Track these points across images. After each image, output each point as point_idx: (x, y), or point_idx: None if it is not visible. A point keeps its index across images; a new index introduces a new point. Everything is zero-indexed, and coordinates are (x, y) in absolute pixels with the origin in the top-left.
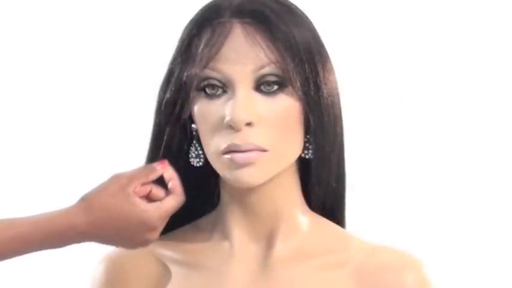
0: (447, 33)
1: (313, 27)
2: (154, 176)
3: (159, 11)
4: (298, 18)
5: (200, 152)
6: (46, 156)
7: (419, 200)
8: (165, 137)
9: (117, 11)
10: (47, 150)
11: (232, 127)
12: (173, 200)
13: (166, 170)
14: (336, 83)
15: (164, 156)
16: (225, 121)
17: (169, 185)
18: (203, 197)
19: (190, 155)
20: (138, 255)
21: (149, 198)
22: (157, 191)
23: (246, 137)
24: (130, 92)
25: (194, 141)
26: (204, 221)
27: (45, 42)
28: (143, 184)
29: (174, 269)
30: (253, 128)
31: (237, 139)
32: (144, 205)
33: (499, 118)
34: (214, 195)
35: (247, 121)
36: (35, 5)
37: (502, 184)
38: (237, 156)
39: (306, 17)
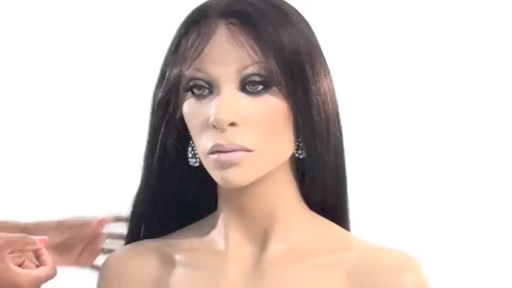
0: (446, 33)
1: (307, 28)
2: (31, 247)
3: (157, 11)
4: (287, 18)
5: (196, 152)
6: (44, 156)
7: (419, 200)
8: (160, 137)
9: (116, 12)
10: (45, 151)
11: (216, 127)
12: (46, 270)
13: (41, 246)
14: (329, 82)
15: (160, 157)
16: (209, 121)
17: (41, 258)
18: (206, 198)
19: (188, 155)
20: (141, 255)
21: (21, 268)
22: (29, 264)
23: (230, 137)
24: (128, 92)
25: (191, 142)
26: (204, 222)
27: (45, 42)
28: (18, 254)
29: (172, 268)
30: (237, 128)
31: (221, 139)
32: (17, 268)
33: (498, 118)
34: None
35: (231, 121)
36: (35, 5)
37: (501, 184)
38: (222, 156)
39: (299, 17)
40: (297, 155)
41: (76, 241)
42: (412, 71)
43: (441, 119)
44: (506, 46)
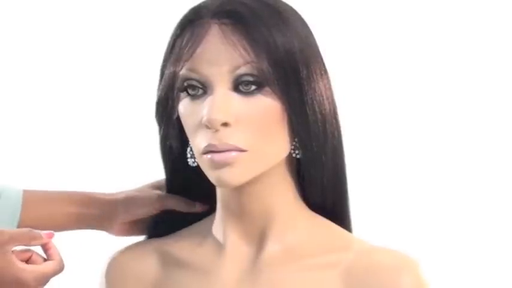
0: (444, 32)
1: (303, 28)
2: (37, 242)
3: (159, 11)
4: (281, 18)
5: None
6: (44, 157)
7: (418, 200)
8: (161, 138)
9: (118, 11)
10: (45, 151)
11: (209, 127)
12: (52, 265)
13: (48, 241)
14: (326, 82)
15: (164, 157)
16: (202, 121)
17: (48, 252)
18: (207, 199)
19: (187, 155)
20: (142, 255)
21: (28, 263)
22: (37, 258)
23: (223, 137)
24: (128, 91)
25: (189, 142)
26: (204, 222)
27: (45, 42)
28: (25, 248)
29: (170, 268)
30: (230, 128)
31: (214, 139)
32: (21, 264)
33: (498, 118)
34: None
35: (223, 121)
36: (35, 5)
37: (501, 184)
38: (216, 157)
39: (295, 16)
40: (294, 155)
41: None
42: (412, 70)
43: (442, 118)
44: (506, 46)
